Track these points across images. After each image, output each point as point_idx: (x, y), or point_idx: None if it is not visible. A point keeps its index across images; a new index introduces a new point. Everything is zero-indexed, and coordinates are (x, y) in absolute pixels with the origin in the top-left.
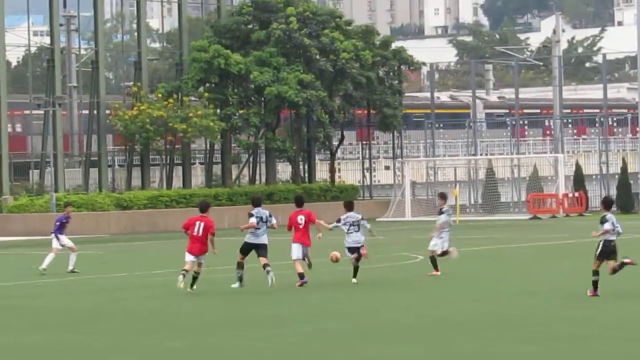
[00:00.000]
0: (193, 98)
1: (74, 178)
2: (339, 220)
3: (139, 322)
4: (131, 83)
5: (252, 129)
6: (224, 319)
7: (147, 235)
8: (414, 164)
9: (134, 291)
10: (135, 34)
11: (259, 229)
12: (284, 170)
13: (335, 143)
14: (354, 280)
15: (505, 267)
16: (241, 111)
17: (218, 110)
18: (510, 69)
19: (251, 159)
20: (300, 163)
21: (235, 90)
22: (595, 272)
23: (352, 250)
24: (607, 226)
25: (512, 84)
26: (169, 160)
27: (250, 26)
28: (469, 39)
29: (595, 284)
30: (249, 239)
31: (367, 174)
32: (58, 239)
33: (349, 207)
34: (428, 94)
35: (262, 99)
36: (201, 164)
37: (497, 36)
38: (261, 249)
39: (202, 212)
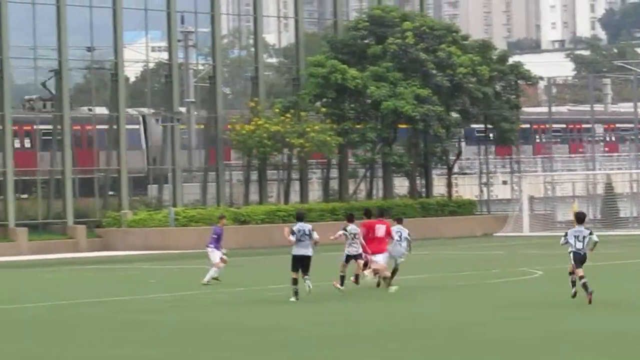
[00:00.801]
0: (310, 113)
1: (192, 193)
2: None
3: (248, 336)
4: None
5: (369, 144)
6: (334, 332)
7: (264, 250)
8: (531, 178)
9: (250, 305)
10: (252, 49)
11: (302, 241)
12: (400, 185)
13: (453, 157)
14: (342, 287)
15: (627, 283)
16: (358, 126)
17: (335, 125)
18: (629, 83)
19: (368, 174)
20: (417, 178)
21: (352, 105)
22: (571, 272)
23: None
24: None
25: (631, 98)
26: (286, 175)
27: (366, 41)
28: (586, 53)
29: (573, 283)
30: (295, 250)
31: (485, 189)
32: (213, 251)
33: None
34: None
35: (379, 113)
36: (318, 179)
37: (615, 50)
38: (305, 262)
39: (381, 217)
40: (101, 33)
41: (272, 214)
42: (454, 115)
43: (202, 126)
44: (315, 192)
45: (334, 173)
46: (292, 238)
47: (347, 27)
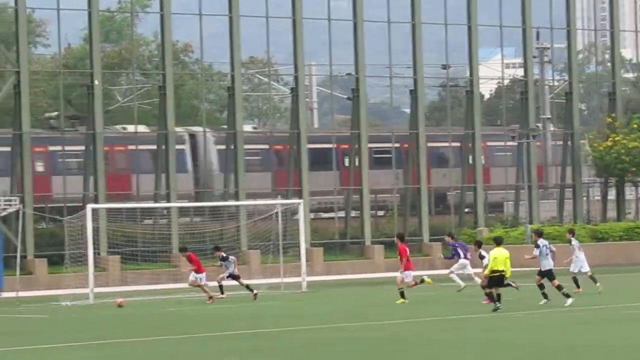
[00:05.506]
0: None
1: (548, 210)
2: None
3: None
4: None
5: None
6: None
7: (622, 268)
8: None
9: (606, 324)
10: (609, 64)
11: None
12: None
13: None
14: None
15: None
16: None
17: None
18: None
19: None
20: None
21: None
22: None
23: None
24: (535, 252)
25: None
26: None
27: None
28: None
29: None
30: (542, 265)
31: None
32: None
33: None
34: None
35: None
36: None
37: None
38: (549, 274)
39: None
40: (456, 50)
41: (630, 231)
42: None
43: (559, 142)
44: None
45: None
46: (536, 252)
47: None
